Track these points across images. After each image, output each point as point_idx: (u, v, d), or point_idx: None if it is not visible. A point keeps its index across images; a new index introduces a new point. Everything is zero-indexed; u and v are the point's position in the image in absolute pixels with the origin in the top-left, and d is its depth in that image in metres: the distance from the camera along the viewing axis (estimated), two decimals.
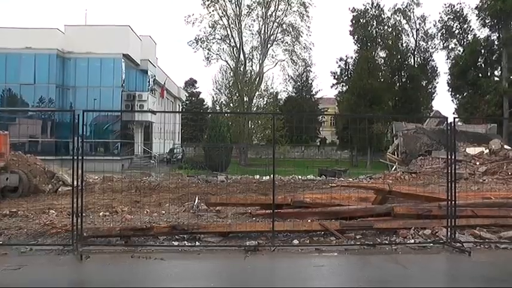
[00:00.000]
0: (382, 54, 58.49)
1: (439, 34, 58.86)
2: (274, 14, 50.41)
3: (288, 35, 51.69)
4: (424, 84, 60.38)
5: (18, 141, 26.78)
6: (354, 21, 57.34)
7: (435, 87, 62.40)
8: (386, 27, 58.25)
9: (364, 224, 9.66)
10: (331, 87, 61.83)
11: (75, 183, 9.00)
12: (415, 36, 60.46)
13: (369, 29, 57.59)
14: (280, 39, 51.77)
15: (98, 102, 35.53)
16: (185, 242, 9.04)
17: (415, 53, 61.07)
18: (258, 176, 23.26)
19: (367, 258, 8.45)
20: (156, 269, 7.75)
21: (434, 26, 59.34)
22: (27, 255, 8.35)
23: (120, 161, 35.71)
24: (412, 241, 9.15)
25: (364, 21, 57.26)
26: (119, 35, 37.05)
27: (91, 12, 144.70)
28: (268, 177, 21.89)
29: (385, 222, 9.75)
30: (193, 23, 50.69)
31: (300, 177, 23.65)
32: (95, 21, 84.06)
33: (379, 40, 57.92)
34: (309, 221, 9.90)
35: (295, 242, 9.12)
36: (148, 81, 42.77)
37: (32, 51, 36.28)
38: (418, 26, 60.13)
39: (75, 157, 8.92)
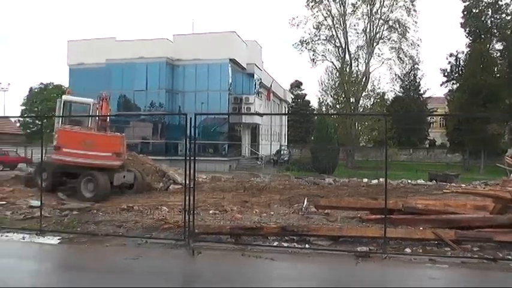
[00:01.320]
0: (499, 46, 53.22)
1: None
2: (379, 10, 48.63)
3: (395, 32, 49.50)
4: None
5: (132, 142, 28.28)
6: (465, 12, 53.05)
7: None
8: (504, 15, 53.03)
9: (483, 235, 8.77)
10: (441, 85, 58.21)
11: (186, 182, 9.18)
12: None
13: (482, 19, 52.64)
14: (386, 36, 49.79)
15: (205, 105, 36.66)
16: (295, 243, 8.87)
17: None
18: (366, 179, 22.59)
19: (487, 274, 7.53)
20: (266, 269, 7.68)
21: None
22: (143, 247, 8.75)
23: (228, 161, 36.55)
24: None
25: (477, 10, 52.55)
26: (225, 41, 37.97)
27: (198, 21, 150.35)
28: (376, 180, 21.20)
29: (508, 234, 8.75)
30: (297, 25, 50.35)
31: (409, 181, 22.66)
32: (202, 29, 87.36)
33: (495, 31, 52.77)
34: (422, 228, 9.27)
35: (408, 250, 8.51)
36: (255, 85, 43.29)
37: (144, 61, 38.41)
38: None
39: (187, 157, 9.11)
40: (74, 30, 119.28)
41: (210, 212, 12.09)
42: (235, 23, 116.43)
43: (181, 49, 38.58)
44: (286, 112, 66.91)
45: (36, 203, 12.95)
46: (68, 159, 15.75)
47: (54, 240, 9.60)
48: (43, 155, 13.32)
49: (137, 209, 12.79)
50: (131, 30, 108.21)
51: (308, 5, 48.60)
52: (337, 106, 49.40)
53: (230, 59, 38.08)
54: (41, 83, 62.46)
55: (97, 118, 17.88)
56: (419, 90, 65.47)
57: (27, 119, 59.65)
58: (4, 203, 13.91)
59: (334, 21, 48.95)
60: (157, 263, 7.56)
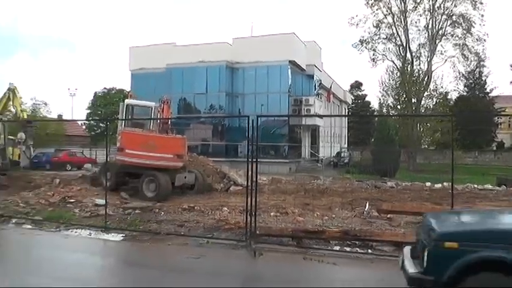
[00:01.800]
0: None
1: None
2: (442, 5, 46.59)
3: (459, 27, 47.17)
4: None
5: (193, 144, 28.68)
6: None
7: None
8: None
9: None
10: (511, 83, 55.16)
11: (248, 183, 9.14)
12: None
13: None
14: (449, 32, 47.60)
15: (265, 107, 36.69)
16: (357, 248, 8.64)
17: None
18: (429, 183, 21.74)
19: None
20: (328, 273, 7.52)
21: None
22: (204, 247, 8.81)
23: (288, 163, 36.35)
24: None
25: None
26: (284, 43, 37.82)
27: (257, 23, 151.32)
28: (440, 184, 20.38)
29: None
30: (357, 24, 49.29)
31: (475, 186, 21.60)
32: (261, 31, 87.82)
33: None
34: None
35: None
36: (315, 86, 42.90)
37: (204, 64, 38.96)
38: None
39: (249, 159, 9.06)
40: (135, 37, 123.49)
41: (271, 214, 12.01)
42: (294, 24, 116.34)
43: (241, 52, 38.86)
44: (346, 113, 65.90)
45: (101, 201, 13.36)
46: (131, 160, 16.17)
47: (118, 237, 9.92)
48: (107, 156, 13.70)
49: (198, 209, 12.91)
50: (191, 35, 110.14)
51: (368, 3, 47.48)
52: (398, 107, 48.03)
53: (290, 61, 37.93)
54: (105, 88, 64.75)
55: (158, 121, 18.30)
56: (486, 89, 62.15)
57: (92, 122, 61.99)
58: (73, 201, 14.49)
59: (395, 19, 47.54)
60: (219, 263, 7.56)
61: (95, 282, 7.06)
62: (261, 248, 8.45)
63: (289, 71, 38.33)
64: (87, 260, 8.27)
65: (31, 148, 21.66)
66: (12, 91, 20.70)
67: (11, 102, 21.30)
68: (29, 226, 11.24)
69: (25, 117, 20.95)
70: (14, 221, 11.75)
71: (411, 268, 5.04)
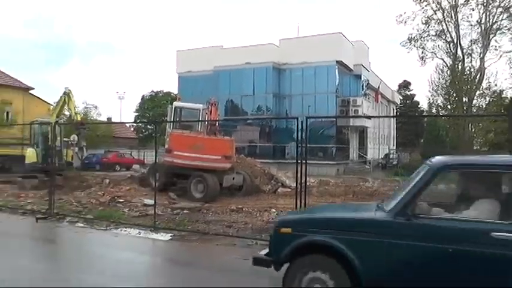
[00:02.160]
0: None
1: None
2: None
3: None
4: None
5: (240, 145, 28.80)
6: None
7: None
8: None
9: None
10: None
11: (296, 185, 9.06)
12: None
13: None
14: (505, 26, 45.24)
15: (312, 108, 36.45)
16: None
17: None
18: None
19: None
20: None
21: None
22: (253, 248, 8.73)
23: (336, 165, 36.00)
24: None
25: None
26: (332, 43, 37.46)
27: (303, 24, 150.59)
28: None
29: None
30: (405, 21, 47.69)
31: None
32: (308, 32, 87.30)
33: None
34: None
35: None
36: (362, 86, 42.31)
37: (251, 66, 39.10)
38: None
39: (298, 161, 8.98)
40: (182, 41, 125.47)
41: None
42: (341, 23, 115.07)
43: (288, 53, 38.80)
44: (395, 114, 64.55)
45: (150, 201, 13.63)
46: (179, 161, 16.40)
47: (166, 236, 10.04)
48: (156, 157, 13.91)
49: (246, 210, 12.95)
50: (238, 37, 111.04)
51: None
52: (449, 106, 46.41)
53: (337, 61, 37.53)
54: (152, 91, 66.09)
55: (206, 122, 18.47)
56: None
57: (140, 124, 63.37)
58: (122, 200, 14.87)
59: (445, 14, 45.73)
60: None
61: (144, 281, 7.16)
62: None
63: (337, 71, 37.92)
64: (136, 258, 8.40)
65: (84, 149, 22.29)
66: (67, 95, 21.24)
67: (66, 106, 21.96)
68: (81, 224, 11.62)
69: (79, 119, 21.53)
70: (68, 219, 12.21)
71: (263, 252, 5.91)
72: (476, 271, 4.44)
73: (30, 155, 21.46)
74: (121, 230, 10.79)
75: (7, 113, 37.40)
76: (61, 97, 21.74)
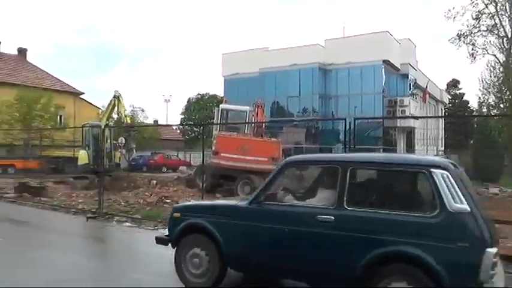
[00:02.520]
0: None
1: None
2: None
3: None
4: None
5: (286, 147, 28.80)
6: None
7: None
8: None
9: None
10: None
11: None
12: None
13: None
14: None
15: (358, 109, 36.09)
16: None
17: None
18: None
19: None
20: None
21: None
22: None
23: None
24: None
25: None
26: (378, 42, 36.94)
27: (349, 24, 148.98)
28: None
29: None
30: (454, 17, 46.06)
31: None
32: (353, 31, 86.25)
33: None
34: None
35: None
36: (409, 86, 41.48)
37: (297, 67, 39.10)
38: None
39: None
40: (228, 43, 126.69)
41: None
42: (387, 21, 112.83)
43: (333, 53, 38.58)
44: (443, 114, 62.82)
45: None
46: (226, 163, 16.58)
47: None
48: (203, 159, 14.08)
49: None
50: (283, 38, 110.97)
51: None
52: (501, 105, 44.70)
53: (383, 60, 37.03)
54: (198, 94, 66.96)
55: (253, 124, 18.57)
56: None
57: (186, 126, 64.27)
58: (169, 201, 15.12)
59: (498, 8, 44.03)
60: None
61: None
62: None
63: (383, 70, 37.44)
64: None
65: (134, 151, 22.87)
66: (117, 98, 21.81)
67: (116, 109, 22.50)
68: (129, 224, 11.96)
69: (129, 121, 22.10)
70: (116, 218, 12.59)
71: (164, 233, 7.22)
72: (306, 247, 5.37)
73: (82, 156, 22.19)
74: None
75: (60, 117, 38.78)
76: (111, 100, 22.29)
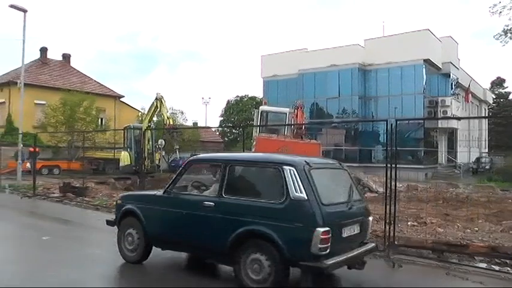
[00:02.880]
0: None
1: None
2: None
3: None
4: None
5: (326, 149, 28.62)
6: None
7: None
8: None
9: None
10: None
11: (385, 190, 8.85)
12: None
13: None
14: None
15: (398, 110, 35.51)
16: (508, 268, 7.76)
17: None
18: None
19: None
20: None
21: None
22: None
23: (424, 169, 34.70)
24: None
25: None
26: (418, 41, 36.30)
27: (388, 22, 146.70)
28: None
29: None
30: (499, 12, 44.84)
31: None
32: (393, 30, 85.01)
33: None
34: None
35: None
36: (451, 85, 40.45)
37: (336, 68, 38.82)
38: None
39: (387, 165, 8.77)
40: (267, 45, 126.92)
41: (408, 223, 11.46)
42: (427, 18, 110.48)
43: (373, 53, 38.17)
44: (487, 114, 61.06)
45: None
46: None
47: None
48: None
49: None
50: (322, 39, 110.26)
51: None
52: None
53: (424, 60, 36.33)
54: (237, 96, 67.27)
55: (293, 126, 18.50)
56: None
57: (225, 128, 64.73)
58: None
59: None
60: (356, 271, 7.33)
61: None
62: (400, 260, 8.12)
63: (424, 70, 36.76)
64: None
65: (177, 152, 23.11)
66: (159, 100, 21.84)
67: (158, 111, 22.66)
68: None
69: (171, 123, 22.18)
70: None
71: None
72: (195, 226, 6.81)
73: (124, 157, 22.44)
74: None
75: (101, 119, 39.72)
76: (153, 103, 22.37)
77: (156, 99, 22.05)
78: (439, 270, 7.75)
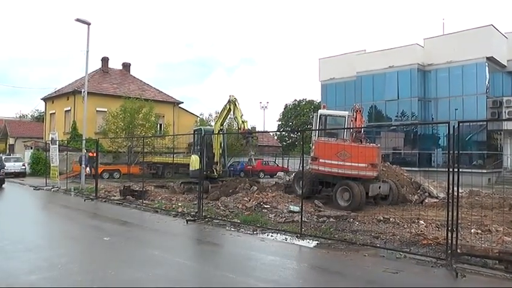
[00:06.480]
0: None
1: None
2: None
3: None
4: None
5: (384, 153, 28.05)
6: None
7: None
8: None
9: None
10: None
11: (448, 195, 8.55)
12: None
13: None
14: None
15: (459, 112, 34.31)
16: None
17: None
18: None
19: None
20: None
21: None
22: (401, 261, 8.50)
23: (487, 174, 33.12)
24: None
25: None
26: (481, 38, 34.81)
27: (449, 20, 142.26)
28: None
29: None
30: None
31: None
32: (454, 28, 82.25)
33: None
34: None
35: None
36: None
37: (394, 69, 38.06)
38: None
39: (450, 169, 8.46)
40: (324, 48, 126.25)
41: (472, 231, 10.99)
42: (492, 14, 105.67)
43: (433, 53, 37.14)
44: None
45: (295, 208, 13.89)
46: (325, 169, 16.43)
47: (312, 243, 10.18)
48: (303, 165, 14.00)
49: (393, 221, 12.57)
50: (380, 40, 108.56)
51: None
52: None
53: (487, 57, 34.70)
54: (295, 100, 67.42)
55: (352, 130, 18.21)
56: None
57: (284, 132, 64.82)
58: (268, 206, 15.34)
59: None
60: (418, 280, 7.15)
61: (292, 284, 7.21)
62: (463, 269, 7.74)
63: (487, 69, 35.11)
64: (283, 263, 8.49)
65: (253, 158, 22.40)
66: (232, 103, 20.90)
67: (231, 114, 21.72)
68: (228, 228, 12.28)
69: (246, 127, 20.47)
70: (215, 222, 13.00)
71: None
72: None
73: (194, 162, 21.55)
74: (267, 235, 11.17)
75: (160, 125, 40.67)
76: (225, 106, 21.51)
77: (229, 101, 21.18)
78: (506, 282, 7.31)
